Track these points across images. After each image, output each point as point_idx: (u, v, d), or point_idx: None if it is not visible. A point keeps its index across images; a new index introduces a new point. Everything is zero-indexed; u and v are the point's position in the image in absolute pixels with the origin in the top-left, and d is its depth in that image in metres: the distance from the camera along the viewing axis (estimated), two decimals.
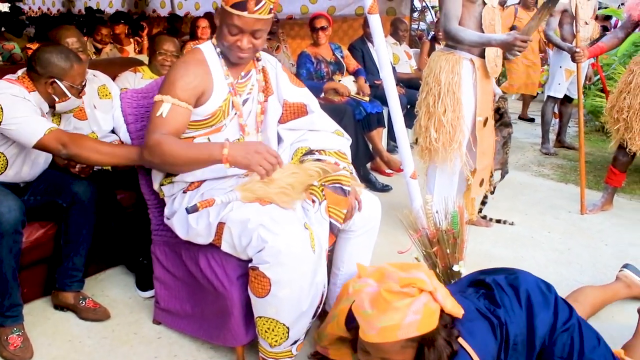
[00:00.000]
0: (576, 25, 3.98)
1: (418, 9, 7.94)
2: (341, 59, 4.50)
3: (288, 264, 1.76)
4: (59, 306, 2.50)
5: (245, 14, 1.85)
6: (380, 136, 4.32)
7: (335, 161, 2.10)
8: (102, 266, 2.86)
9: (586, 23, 5.01)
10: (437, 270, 2.33)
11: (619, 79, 3.74)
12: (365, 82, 4.52)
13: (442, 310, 1.55)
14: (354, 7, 6.72)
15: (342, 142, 2.22)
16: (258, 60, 2.12)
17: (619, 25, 3.83)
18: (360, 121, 4.21)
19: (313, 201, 1.96)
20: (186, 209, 1.84)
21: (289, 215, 1.87)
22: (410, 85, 5.12)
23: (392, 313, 1.49)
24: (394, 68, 5.34)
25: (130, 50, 6.78)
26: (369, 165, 4.45)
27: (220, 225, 1.87)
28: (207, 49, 2.04)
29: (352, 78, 4.48)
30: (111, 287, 2.73)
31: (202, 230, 1.91)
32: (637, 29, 3.73)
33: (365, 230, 2.11)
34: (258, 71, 2.11)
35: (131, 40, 7.02)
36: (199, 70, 1.96)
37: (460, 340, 1.61)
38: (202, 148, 1.90)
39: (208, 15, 6.13)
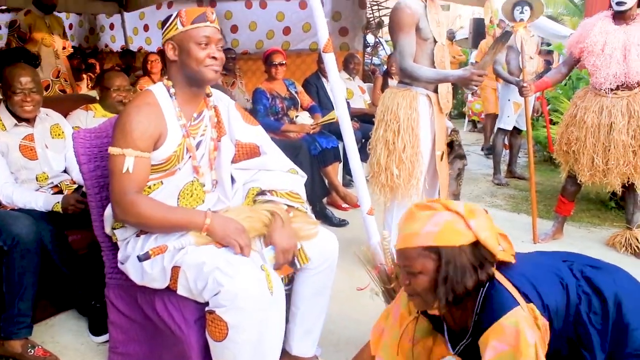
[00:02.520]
0: (522, 60, 4.14)
1: (371, 44, 8.12)
2: (295, 95, 4.54)
3: (245, 307, 1.73)
4: (5, 357, 2.36)
5: (208, 23, 1.95)
6: (336, 171, 4.35)
7: (287, 204, 2.09)
8: (52, 311, 2.76)
9: (531, 58, 5.25)
10: None
11: (564, 112, 3.90)
12: (322, 115, 4.56)
13: (477, 242, 1.59)
14: (308, 42, 6.84)
15: (296, 181, 2.21)
16: (209, 96, 2.12)
17: (561, 62, 3.99)
18: (316, 156, 4.23)
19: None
20: (138, 256, 1.82)
21: (245, 257, 1.85)
22: (364, 120, 5.20)
23: (414, 222, 1.62)
24: (348, 103, 5.42)
25: (83, 86, 6.69)
26: (325, 200, 4.48)
27: (175, 269, 1.84)
28: (159, 90, 2.02)
29: (307, 114, 4.52)
30: (62, 333, 2.63)
31: (157, 274, 1.88)
32: (578, 65, 3.89)
33: (323, 267, 2.11)
34: (210, 108, 2.11)
35: (84, 75, 6.93)
36: (153, 115, 1.93)
37: (500, 276, 1.63)
38: (182, 214, 1.92)
39: (161, 50, 6.12)
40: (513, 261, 1.67)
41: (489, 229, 1.63)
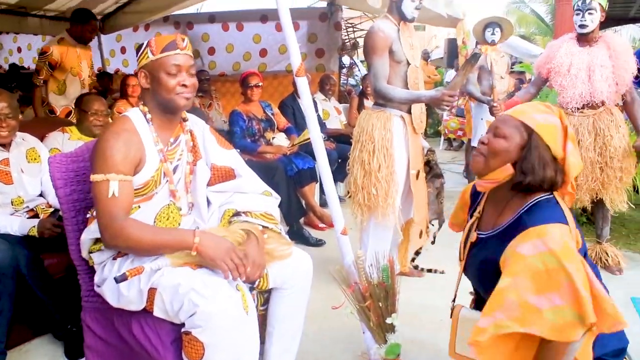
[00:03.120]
0: (492, 80, 4.25)
1: (346, 65, 8.23)
2: (272, 117, 4.59)
3: (221, 328, 1.75)
4: None
5: (178, 51, 1.96)
6: (312, 191, 4.40)
7: (262, 225, 2.12)
8: (27, 336, 2.73)
9: (502, 77, 5.38)
10: (372, 324, 2.37)
11: None
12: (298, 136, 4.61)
13: (563, 160, 1.71)
14: (284, 64, 6.93)
15: (270, 202, 2.24)
16: (185, 120, 2.15)
17: (531, 82, 4.10)
18: (293, 177, 4.28)
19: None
20: (115, 278, 1.83)
21: (220, 278, 1.87)
22: (340, 140, 5.26)
23: (530, 107, 1.77)
24: (324, 124, 5.49)
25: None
26: (302, 220, 4.50)
27: (152, 291, 1.86)
28: (136, 116, 2.03)
29: (283, 135, 4.57)
30: (37, 358, 2.61)
31: (134, 297, 1.89)
32: (547, 85, 4.00)
33: (297, 287, 2.13)
34: (186, 132, 2.14)
35: None
36: (131, 141, 1.94)
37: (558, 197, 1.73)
38: (171, 235, 1.92)
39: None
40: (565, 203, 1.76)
41: (579, 164, 1.74)
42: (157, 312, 1.88)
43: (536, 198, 1.71)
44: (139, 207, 2.02)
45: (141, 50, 1.99)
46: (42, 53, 4.56)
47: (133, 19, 6.22)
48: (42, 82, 4.57)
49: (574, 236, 1.64)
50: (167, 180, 2.05)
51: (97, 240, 2.04)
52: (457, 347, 1.92)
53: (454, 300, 2.03)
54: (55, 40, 4.69)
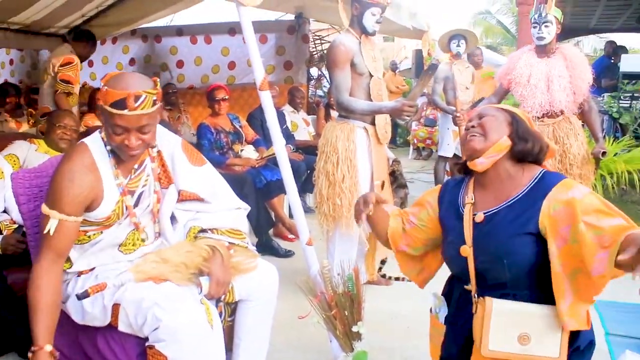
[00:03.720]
0: (454, 91, 4.35)
1: (314, 77, 8.30)
2: (240, 129, 4.62)
3: (184, 342, 1.77)
4: None
5: (126, 112, 1.76)
6: (281, 203, 4.42)
7: (228, 241, 2.10)
8: None
9: (467, 88, 5.49)
10: (338, 333, 2.40)
11: None
12: (267, 148, 4.64)
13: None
14: (252, 76, 6.87)
15: (237, 217, 2.22)
16: (152, 147, 2.04)
17: (493, 92, 4.21)
18: (261, 189, 4.29)
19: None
20: (76, 295, 1.81)
21: (184, 291, 1.88)
22: (309, 152, 5.31)
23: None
24: (292, 135, 5.53)
25: (24, 122, 6.56)
26: (271, 231, 4.53)
27: (116, 307, 1.86)
28: (95, 146, 1.93)
29: (252, 148, 4.60)
30: None
31: (98, 313, 1.89)
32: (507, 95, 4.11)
33: (263, 299, 2.15)
34: (153, 159, 2.05)
35: (24, 112, 6.80)
36: (87, 179, 1.86)
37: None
38: (45, 322, 1.79)
39: None
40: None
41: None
42: (122, 327, 1.88)
43: (541, 170, 1.80)
44: (101, 232, 1.99)
45: (101, 86, 1.85)
46: (67, 63, 4.59)
47: (100, 33, 6.18)
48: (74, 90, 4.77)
49: None
50: (128, 213, 2.00)
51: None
52: (491, 344, 1.75)
53: (472, 294, 1.84)
54: (67, 52, 4.79)
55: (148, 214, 2.07)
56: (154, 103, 1.83)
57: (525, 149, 1.79)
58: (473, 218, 1.84)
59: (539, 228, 1.71)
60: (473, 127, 1.84)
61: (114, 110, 1.77)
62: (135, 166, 2.00)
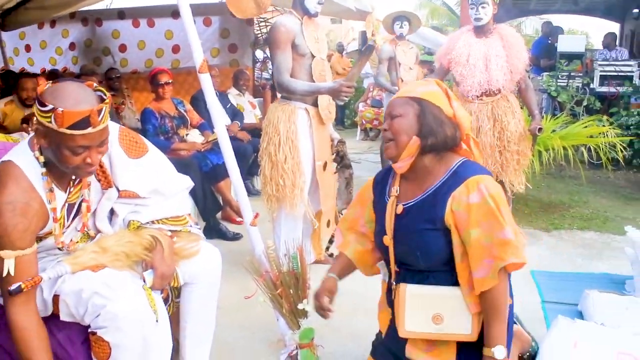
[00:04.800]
0: (397, 71, 4.43)
1: (260, 60, 8.27)
2: (184, 113, 4.57)
3: (125, 327, 1.77)
4: None
5: (90, 130, 1.64)
6: (228, 186, 4.41)
7: (169, 230, 2.07)
8: None
9: (410, 68, 5.58)
10: (284, 311, 2.45)
11: None
12: (212, 132, 4.61)
13: (454, 116, 1.85)
14: None
15: (179, 203, 2.17)
16: None
17: (434, 72, 4.30)
18: (208, 173, 4.28)
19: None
20: (9, 291, 1.69)
21: (124, 278, 1.88)
22: (255, 134, 5.30)
23: (410, 85, 1.97)
24: (241, 113, 5.52)
25: None
26: (219, 215, 4.52)
27: (56, 298, 1.85)
28: (29, 168, 1.75)
29: (197, 132, 4.57)
30: None
31: (39, 305, 1.85)
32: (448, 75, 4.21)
33: (207, 282, 2.16)
34: None
35: None
36: (33, 210, 1.73)
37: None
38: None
39: (52, 74, 5.95)
40: (477, 159, 1.93)
41: (467, 117, 1.91)
42: (64, 317, 1.87)
43: (459, 160, 1.88)
44: (40, 240, 1.88)
45: (44, 108, 1.62)
46: None
47: (37, 16, 5.97)
48: None
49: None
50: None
51: None
52: (407, 324, 1.91)
53: (390, 280, 2.02)
54: None
55: (78, 228, 1.96)
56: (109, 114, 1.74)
57: (434, 144, 1.84)
58: (395, 209, 1.94)
59: (445, 224, 1.82)
60: (385, 130, 1.91)
61: (76, 132, 1.63)
62: (73, 177, 1.87)
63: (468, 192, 1.77)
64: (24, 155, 1.77)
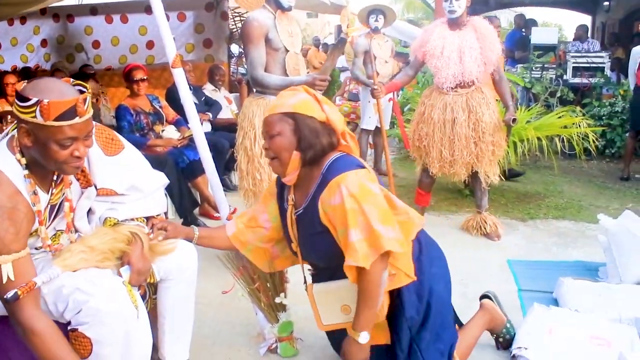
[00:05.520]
0: (372, 64, 4.44)
1: (235, 55, 8.23)
2: (160, 109, 4.53)
3: (108, 322, 1.76)
4: None
5: (77, 120, 1.64)
6: (206, 182, 4.36)
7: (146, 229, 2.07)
8: None
9: (386, 62, 5.60)
10: (262, 305, 2.45)
11: (415, 111, 4.23)
12: (188, 128, 4.58)
13: (327, 120, 1.96)
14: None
15: (155, 201, 2.18)
16: None
17: (409, 65, 4.31)
18: (185, 169, 4.25)
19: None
20: (5, 298, 1.66)
21: (105, 274, 1.87)
22: (232, 130, 5.28)
23: (279, 98, 2.01)
24: (216, 102, 5.49)
25: None
26: (197, 211, 4.50)
27: None
28: (11, 171, 1.72)
29: (173, 128, 4.53)
30: None
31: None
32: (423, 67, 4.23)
33: (183, 278, 2.16)
34: None
35: None
36: (19, 212, 1.71)
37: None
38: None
39: (24, 71, 5.86)
40: (353, 153, 2.04)
41: (340, 118, 2.01)
42: None
43: (329, 160, 1.96)
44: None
45: (27, 103, 1.61)
46: None
47: (6, 12, 5.85)
48: None
49: (373, 176, 1.95)
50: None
51: None
52: (323, 319, 2.12)
53: (305, 282, 2.18)
54: None
55: (63, 227, 1.96)
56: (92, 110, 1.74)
57: (313, 156, 1.94)
58: (292, 217, 2.06)
59: (324, 226, 1.94)
60: (267, 149, 1.99)
61: (63, 123, 1.62)
62: (54, 177, 1.86)
63: (330, 195, 1.88)
64: (4, 159, 1.73)
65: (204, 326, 2.74)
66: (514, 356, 2.38)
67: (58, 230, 1.97)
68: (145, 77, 4.41)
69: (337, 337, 2.16)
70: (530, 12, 13.31)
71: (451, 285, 2.20)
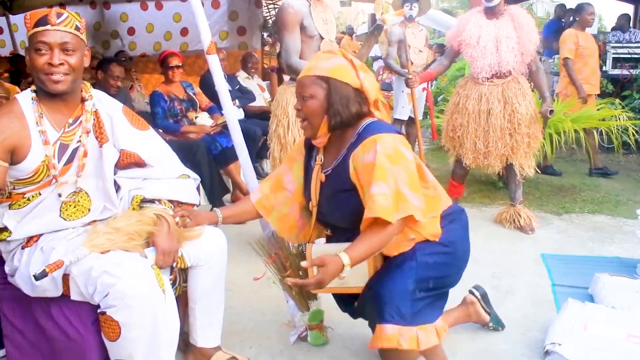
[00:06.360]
0: (406, 54, 4.38)
1: (269, 43, 8.23)
2: (193, 96, 4.56)
3: (135, 306, 1.78)
4: None
5: (48, 27, 1.83)
6: (238, 169, 4.40)
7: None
8: None
9: (420, 51, 5.52)
10: (293, 293, 2.45)
11: (450, 101, 4.17)
12: (222, 115, 4.60)
13: (361, 87, 1.94)
14: None
15: (184, 187, 2.22)
16: (85, 100, 2.03)
17: (444, 54, 4.25)
18: (217, 156, 4.27)
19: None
20: (34, 275, 1.76)
21: (133, 257, 1.89)
22: (265, 117, 5.29)
23: (316, 60, 2.00)
24: (251, 92, 5.50)
25: None
26: (229, 197, 4.52)
27: (66, 277, 1.86)
28: (25, 98, 1.94)
29: (207, 115, 4.56)
30: None
31: (48, 285, 1.88)
32: (459, 57, 4.16)
33: (212, 263, 2.17)
34: (86, 113, 2.02)
35: None
36: (11, 124, 1.86)
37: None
38: None
39: None
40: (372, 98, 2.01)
41: (374, 85, 1.99)
42: (75, 296, 1.89)
43: (366, 122, 1.97)
44: (40, 193, 1.96)
45: (25, 21, 1.87)
46: None
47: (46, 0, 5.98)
48: None
49: (408, 144, 1.95)
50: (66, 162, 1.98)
51: (1, 230, 1.99)
52: None
53: (308, 242, 2.20)
54: None
55: (74, 170, 2.01)
56: (77, 29, 1.90)
57: (340, 122, 1.94)
58: (320, 177, 2.06)
59: (352, 183, 1.94)
60: (299, 110, 1.99)
61: (37, 29, 1.82)
62: (70, 120, 1.99)
63: (364, 152, 1.88)
64: (25, 93, 1.98)
65: (234, 313, 2.76)
66: (547, 351, 2.34)
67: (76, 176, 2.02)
68: (180, 64, 4.44)
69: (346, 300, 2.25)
70: (569, 1, 12.98)
71: (459, 278, 2.19)
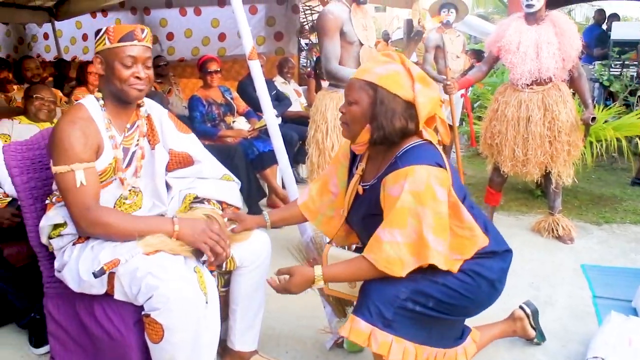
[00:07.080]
0: (444, 59, 4.35)
1: (306, 48, 8.27)
2: (231, 101, 4.61)
3: (178, 309, 1.81)
4: None
5: (135, 42, 1.98)
6: (274, 173, 4.43)
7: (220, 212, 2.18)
8: None
9: (457, 57, 5.48)
10: (330, 299, 2.45)
11: (488, 107, 4.13)
12: (258, 120, 4.64)
13: (414, 100, 1.78)
14: (243, 47, 6.90)
15: (230, 189, 2.30)
16: (140, 106, 2.17)
17: (483, 60, 4.21)
18: (254, 160, 4.31)
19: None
20: (93, 273, 1.85)
21: (177, 260, 1.92)
22: (301, 122, 5.31)
23: (371, 62, 1.89)
24: (288, 98, 5.53)
25: (17, 97, 6.53)
26: (265, 202, 4.55)
27: (111, 275, 1.90)
28: (91, 104, 2.05)
29: (244, 119, 4.60)
30: (1, 348, 2.62)
31: (95, 282, 1.92)
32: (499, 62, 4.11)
33: (255, 265, 2.20)
34: (141, 117, 2.16)
35: (14, 87, 6.76)
36: (88, 129, 1.98)
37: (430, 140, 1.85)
38: (150, 224, 1.95)
39: None
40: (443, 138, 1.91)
41: (430, 101, 1.80)
42: (118, 295, 1.92)
43: (409, 144, 1.83)
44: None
45: (99, 36, 1.99)
46: None
47: (88, 6, 6.14)
48: None
49: (446, 179, 1.77)
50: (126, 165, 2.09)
51: (55, 226, 2.05)
52: (330, 284, 2.08)
53: (330, 242, 2.17)
54: None
55: (131, 171, 2.13)
56: (152, 41, 2.08)
57: (381, 137, 1.82)
58: (358, 188, 1.98)
59: (380, 208, 1.84)
60: (343, 113, 1.91)
61: (124, 44, 1.97)
62: (128, 125, 2.13)
63: (393, 182, 1.77)
64: (89, 98, 2.08)
65: (270, 317, 2.77)
66: None
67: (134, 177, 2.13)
68: (219, 69, 4.50)
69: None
70: (610, 7, 12.71)
71: (475, 314, 2.03)
